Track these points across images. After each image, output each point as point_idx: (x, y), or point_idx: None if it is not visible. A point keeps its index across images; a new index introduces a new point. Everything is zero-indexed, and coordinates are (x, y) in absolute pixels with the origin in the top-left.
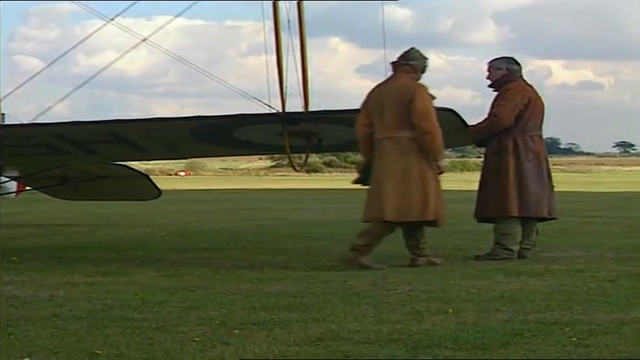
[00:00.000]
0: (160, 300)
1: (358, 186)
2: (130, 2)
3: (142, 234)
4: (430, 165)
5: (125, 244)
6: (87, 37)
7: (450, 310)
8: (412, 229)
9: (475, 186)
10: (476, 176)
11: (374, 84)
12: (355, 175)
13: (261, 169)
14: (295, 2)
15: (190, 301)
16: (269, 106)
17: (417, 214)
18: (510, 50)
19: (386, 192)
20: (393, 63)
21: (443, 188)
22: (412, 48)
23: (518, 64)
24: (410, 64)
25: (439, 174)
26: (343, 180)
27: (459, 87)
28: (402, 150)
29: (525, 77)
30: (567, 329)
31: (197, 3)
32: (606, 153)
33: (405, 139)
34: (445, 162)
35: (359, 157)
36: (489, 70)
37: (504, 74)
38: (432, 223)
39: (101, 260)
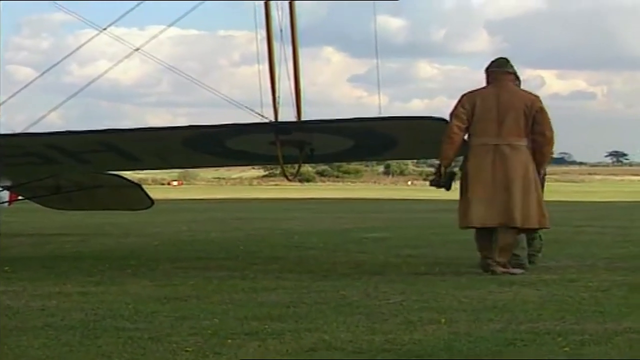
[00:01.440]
0: (152, 310)
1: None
2: (123, 11)
3: (135, 243)
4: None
5: (117, 254)
6: (80, 47)
7: (443, 320)
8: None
9: (450, 194)
10: None
11: (366, 93)
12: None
13: (254, 178)
14: (287, 2)
15: (183, 311)
16: (262, 115)
17: (536, 222)
18: None
19: (513, 198)
20: (495, 70)
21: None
22: (502, 57)
23: (517, 77)
24: (511, 72)
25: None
26: (336, 189)
27: (452, 96)
28: (523, 158)
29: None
30: (560, 338)
31: (191, 13)
32: (599, 162)
33: (523, 146)
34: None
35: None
36: None
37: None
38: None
39: (94, 270)
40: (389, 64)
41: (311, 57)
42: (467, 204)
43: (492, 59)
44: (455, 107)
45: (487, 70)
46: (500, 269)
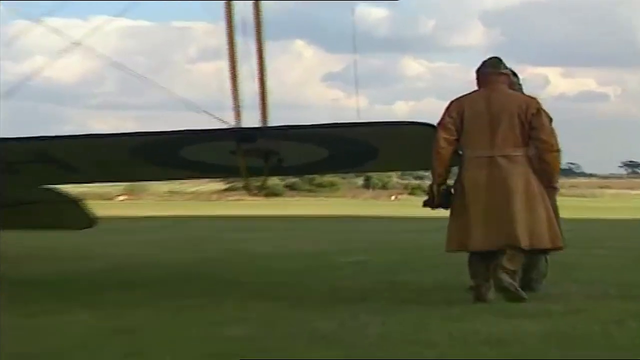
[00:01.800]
0: (98, 344)
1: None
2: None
3: (76, 268)
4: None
5: (56, 280)
6: (12, 40)
7: (431, 355)
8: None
9: (439, 212)
10: None
11: (343, 94)
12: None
13: (213, 192)
14: (252, 1)
15: (133, 346)
16: (222, 120)
17: (548, 242)
18: (500, 55)
19: (514, 215)
20: (487, 72)
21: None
22: (494, 57)
23: (515, 74)
24: (506, 73)
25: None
26: (308, 205)
27: (442, 97)
28: (522, 170)
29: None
30: None
31: (141, 1)
32: (612, 174)
33: (522, 157)
34: (559, 183)
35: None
36: None
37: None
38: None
39: (30, 299)
40: (369, 60)
41: (279, 52)
42: (461, 226)
43: (489, 54)
44: (442, 117)
45: (477, 71)
46: (507, 279)
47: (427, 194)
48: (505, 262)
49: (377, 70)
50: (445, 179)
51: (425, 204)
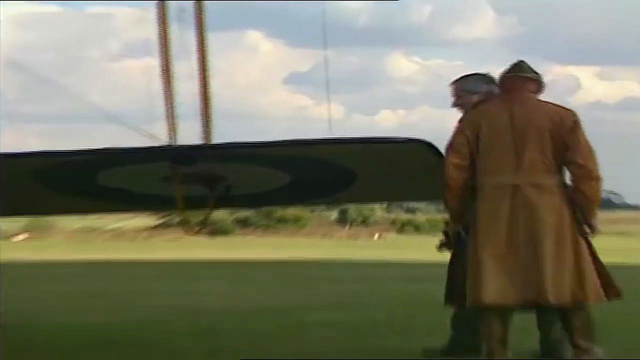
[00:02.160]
0: None
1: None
2: None
3: None
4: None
5: None
6: None
7: None
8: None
9: (435, 255)
10: (430, 240)
11: (311, 100)
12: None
13: (140, 230)
14: None
15: None
16: (151, 135)
17: (570, 294)
18: (517, 51)
19: (544, 262)
20: (510, 77)
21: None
22: (522, 61)
23: (493, 80)
24: (534, 78)
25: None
26: (265, 247)
27: (440, 105)
28: (555, 203)
29: None
30: None
31: None
32: None
33: (556, 186)
34: (597, 220)
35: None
36: (456, 94)
37: (481, 102)
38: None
39: None
40: (346, 56)
41: (228, 47)
42: (475, 272)
43: (502, 49)
44: (453, 136)
45: (500, 77)
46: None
47: (443, 232)
48: (579, 338)
49: (356, 70)
50: (463, 214)
51: (442, 245)
